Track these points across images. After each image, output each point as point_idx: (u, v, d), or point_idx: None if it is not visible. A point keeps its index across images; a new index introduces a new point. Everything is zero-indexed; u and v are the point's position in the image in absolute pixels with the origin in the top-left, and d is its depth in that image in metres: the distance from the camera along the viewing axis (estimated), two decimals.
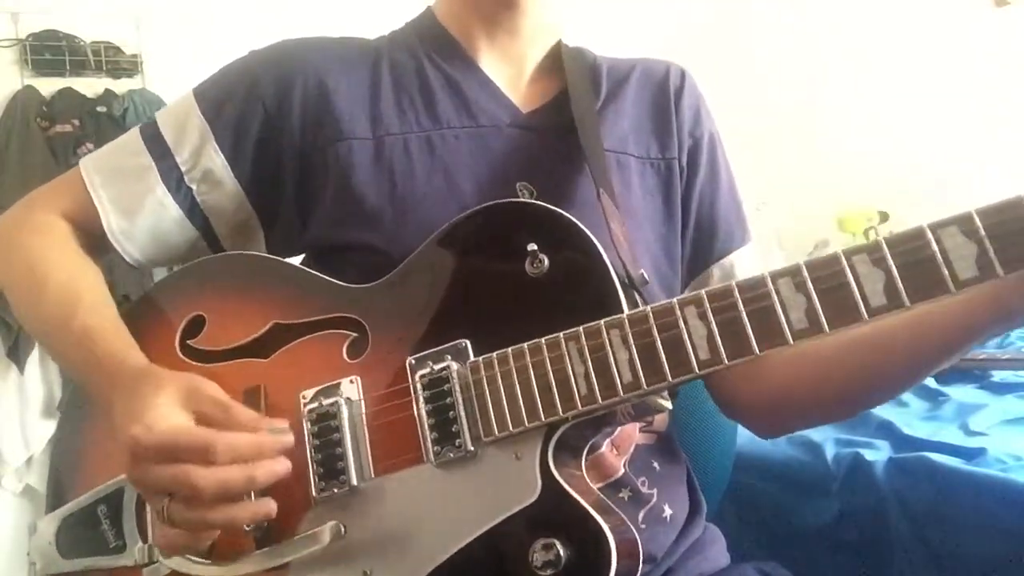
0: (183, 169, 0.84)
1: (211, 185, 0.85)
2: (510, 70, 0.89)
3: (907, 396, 1.46)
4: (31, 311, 0.84)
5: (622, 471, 0.80)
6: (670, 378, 0.62)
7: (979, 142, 2.71)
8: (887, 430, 1.29)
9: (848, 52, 3.04)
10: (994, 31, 2.74)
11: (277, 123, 0.84)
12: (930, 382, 1.49)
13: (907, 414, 1.38)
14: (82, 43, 2.80)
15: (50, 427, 2.57)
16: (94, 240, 0.86)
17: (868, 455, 1.20)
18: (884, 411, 1.37)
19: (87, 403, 0.82)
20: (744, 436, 1.22)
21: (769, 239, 2.74)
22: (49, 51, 2.77)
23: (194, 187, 0.85)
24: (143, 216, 0.85)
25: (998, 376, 1.49)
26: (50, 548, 0.81)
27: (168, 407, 0.67)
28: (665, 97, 0.92)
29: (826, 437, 1.31)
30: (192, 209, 0.85)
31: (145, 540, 0.75)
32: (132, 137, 0.87)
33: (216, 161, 0.84)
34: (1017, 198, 0.54)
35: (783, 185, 3.00)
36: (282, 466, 0.65)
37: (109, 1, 2.84)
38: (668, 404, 0.69)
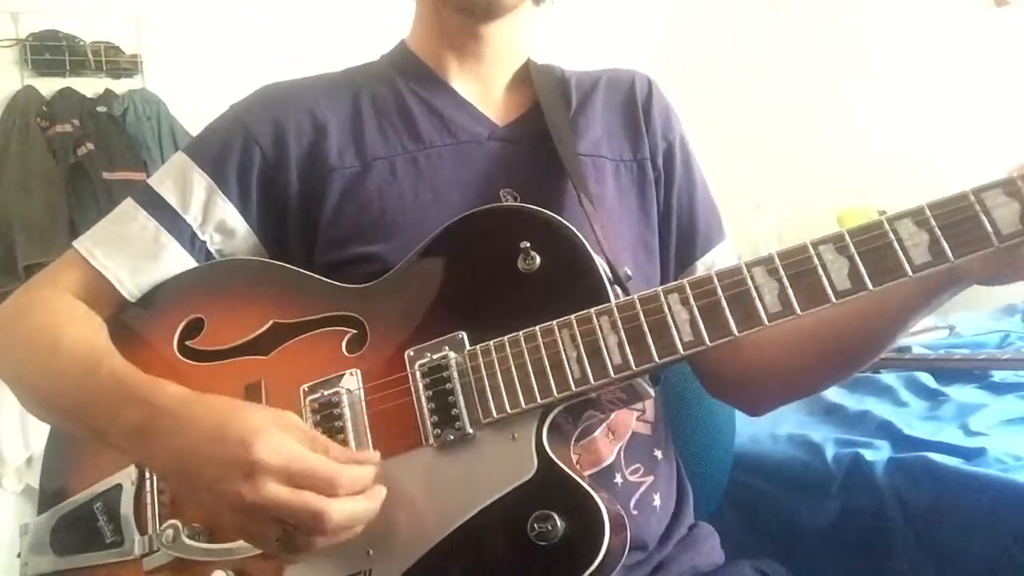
0: (195, 225, 0.86)
1: (225, 234, 0.87)
2: (482, 89, 0.94)
3: (907, 396, 1.46)
4: (45, 375, 0.79)
5: (614, 457, 0.83)
6: (657, 359, 0.66)
7: (979, 142, 2.71)
8: (887, 430, 1.29)
9: (848, 52, 3.04)
10: (994, 31, 2.74)
11: (276, 165, 0.86)
12: (930, 382, 1.49)
13: (907, 414, 1.38)
14: (82, 43, 2.80)
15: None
16: (104, 310, 0.84)
17: (868, 455, 1.20)
18: (884, 411, 1.37)
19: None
20: (744, 436, 1.22)
21: (769, 239, 2.74)
22: (49, 51, 2.77)
23: (207, 238, 0.86)
24: (162, 277, 0.85)
25: (998, 376, 1.48)
26: (44, 547, 0.81)
27: (275, 431, 0.64)
28: (633, 104, 0.97)
29: (826, 437, 1.30)
30: (208, 261, 0.87)
31: (144, 532, 0.76)
32: (127, 207, 0.87)
33: (227, 211, 0.86)
34: (963, 192, 0.61)
35: (783, 185, 3.00)
36: (384, 492, 0.67)
37: (109, 1, 2.84)
38: (652, 391, 0.73)
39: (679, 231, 0.95)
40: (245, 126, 0.87)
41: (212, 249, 0.87)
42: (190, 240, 0.86)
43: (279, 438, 0.63)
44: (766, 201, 2.60)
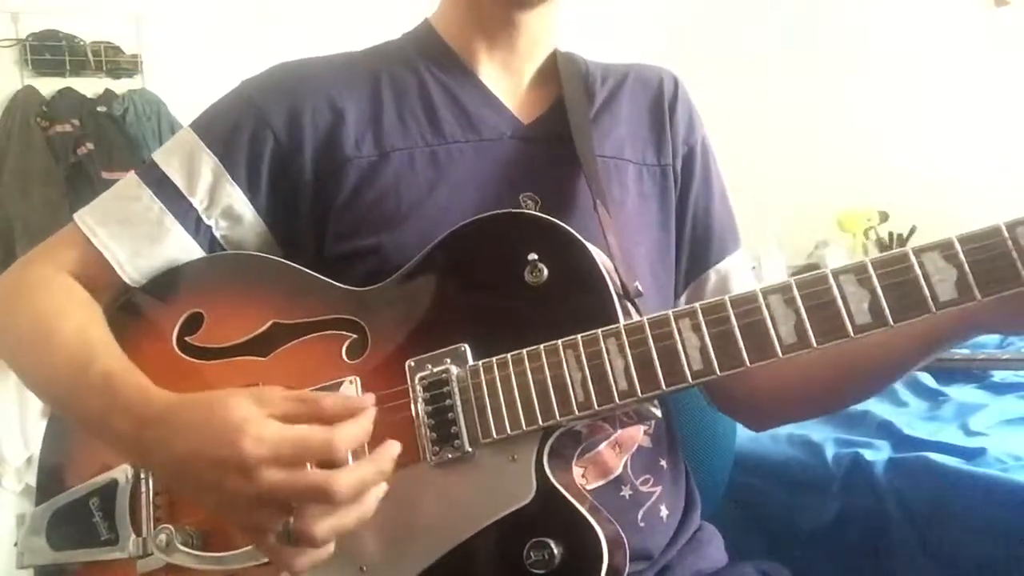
0: (200, 208, 0.83)
1: (232, 220, 0.84)
2: (509, 81, 0.90)
3: (907, 396, 1.46)
4: (40, 366, 0.78)
5: (621, 470, 0.81)
6: (664, 387, 0.64)
7: (979, 142, 2.71)
8: (887, 430, 1.29)
9: (848, 52, 3.04)
10: (994, 31, 2.74)
11: (289, 150, 0.83)
12: (930, 382, 1.49)
13: (907, 414, 1.38)
14: (82, 43, 2.81)
15: None
16: (103, 293, 0.83)
17: (868, 455, 1.20)
18: (884, 411, 1.37)
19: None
20: (744, 436, 1.22)
21: (769, 239, 2.74)
22: (49, 51, 2.77)
23: (213, 224, 0.83)
24: (164, 262, 0.83)
25: (998, 376, 1.49)
26: (40, 540, 0.80)
27: (257, 418, 0.61)
28: (659, 105, 0.94)
29: (826, 437, 1.30)
30: (212, 246, 0.84)
31: (139, 533, 0.75)
32: (132, 184, 0.84)
33: (234, 196, 0.83)
34: (996, 227, 0.57)
35: (783, 185, 3.00)
36: (396, 446, 0.64)
37: (109, 1, 2.84)
38: (658, 412, 0.71)
39: (692, 239, 0.93)
40: (258, 108, 0.83)
41: (218, 235, 0.83)
42: (195, 224, 0.83)
43: (260, 426, 0.60)
44: (766, 201, 2.59)
